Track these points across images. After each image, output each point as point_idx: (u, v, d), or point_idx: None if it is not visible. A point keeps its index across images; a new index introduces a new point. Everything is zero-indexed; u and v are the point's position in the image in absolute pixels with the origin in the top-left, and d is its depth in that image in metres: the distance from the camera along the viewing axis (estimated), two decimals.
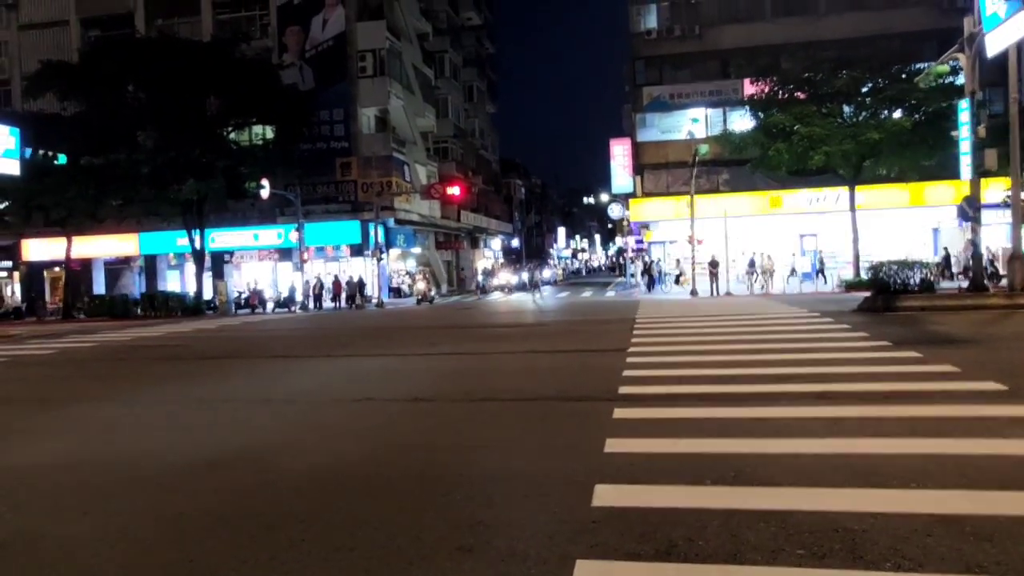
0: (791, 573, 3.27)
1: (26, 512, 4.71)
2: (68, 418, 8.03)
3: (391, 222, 36.08)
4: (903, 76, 26.12)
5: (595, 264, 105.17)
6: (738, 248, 32.23)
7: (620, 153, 40.26)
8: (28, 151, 23.26)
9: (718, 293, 28.40)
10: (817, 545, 3.54)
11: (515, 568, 3.44)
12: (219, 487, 5.05)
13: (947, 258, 30.15)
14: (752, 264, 29.85)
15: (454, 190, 34.67)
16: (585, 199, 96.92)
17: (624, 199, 42.12)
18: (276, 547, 3.85)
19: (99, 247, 37.76)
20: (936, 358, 9.07)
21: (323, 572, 3.52)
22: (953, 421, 5.96)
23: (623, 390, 7.92)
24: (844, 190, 29.13)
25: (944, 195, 31.36)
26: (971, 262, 19.50)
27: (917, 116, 25.75)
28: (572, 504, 4.29)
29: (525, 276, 40.02)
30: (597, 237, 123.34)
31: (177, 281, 38.74)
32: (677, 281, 33.69)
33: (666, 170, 37.60)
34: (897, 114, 26.34)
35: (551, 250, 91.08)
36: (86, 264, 38.70)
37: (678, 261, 34.79)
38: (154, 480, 5.32)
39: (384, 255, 34.25)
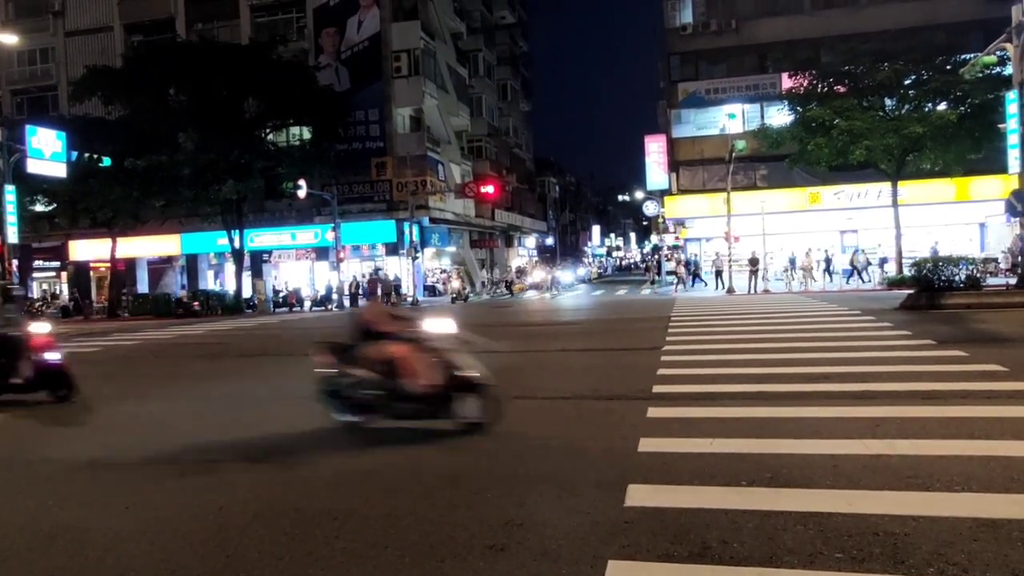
0: None
1: (71, 505, 4.85)
2: (111, 414, 8.24)
3: (426, 221, 36.29)
4: (947, 67, 25.40)
5: (629, 261, 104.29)
6: (776, 245, 31.72)
7: (655, 150, 39.90)
8: (74, 154, 23.84)
9: (756, 291, 27.99)
10: (856, 549, 3.47)
11: (547, 568, 3.43)
12: (255, 483, 5.14)
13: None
14: (792, 262, 29.37)
15: (488, 189, 34.75)
16: (620, 197, 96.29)
17: (659, 196, 41.74)
18: (312, 543, 3.90)
19: (143, 247, 38.72)
20: (982, 357, 8.82)
21: (358, 570, 3.55)
22: (1000, 422, 5.78)
23: (657, 389, 7.86)
24: (886, 185, 28.44)
25: (991, 189, 30.43)
26: (1020, 258, 18.91)
27: (962, 108, 24.99)
28: (605, 504, 4.27)
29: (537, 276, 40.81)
30: (632, 235, 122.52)
31: (217, 280, 39.56)
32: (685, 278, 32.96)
33: (702, 166, 37.17)
34: (941, 107, 25.61)
35: (586, 248, 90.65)
36: (130, 264, 39.81)
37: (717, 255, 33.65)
38: (192, 475, 5.44)
39: (419, 254, 34.48)
